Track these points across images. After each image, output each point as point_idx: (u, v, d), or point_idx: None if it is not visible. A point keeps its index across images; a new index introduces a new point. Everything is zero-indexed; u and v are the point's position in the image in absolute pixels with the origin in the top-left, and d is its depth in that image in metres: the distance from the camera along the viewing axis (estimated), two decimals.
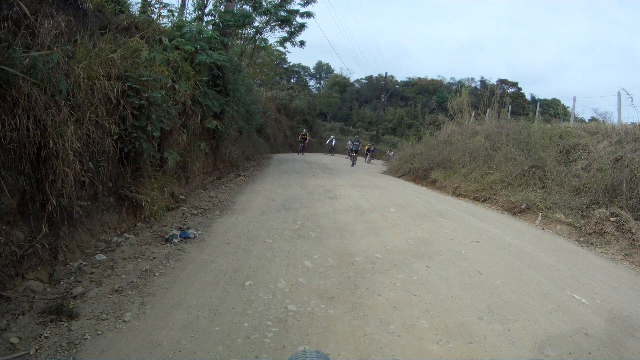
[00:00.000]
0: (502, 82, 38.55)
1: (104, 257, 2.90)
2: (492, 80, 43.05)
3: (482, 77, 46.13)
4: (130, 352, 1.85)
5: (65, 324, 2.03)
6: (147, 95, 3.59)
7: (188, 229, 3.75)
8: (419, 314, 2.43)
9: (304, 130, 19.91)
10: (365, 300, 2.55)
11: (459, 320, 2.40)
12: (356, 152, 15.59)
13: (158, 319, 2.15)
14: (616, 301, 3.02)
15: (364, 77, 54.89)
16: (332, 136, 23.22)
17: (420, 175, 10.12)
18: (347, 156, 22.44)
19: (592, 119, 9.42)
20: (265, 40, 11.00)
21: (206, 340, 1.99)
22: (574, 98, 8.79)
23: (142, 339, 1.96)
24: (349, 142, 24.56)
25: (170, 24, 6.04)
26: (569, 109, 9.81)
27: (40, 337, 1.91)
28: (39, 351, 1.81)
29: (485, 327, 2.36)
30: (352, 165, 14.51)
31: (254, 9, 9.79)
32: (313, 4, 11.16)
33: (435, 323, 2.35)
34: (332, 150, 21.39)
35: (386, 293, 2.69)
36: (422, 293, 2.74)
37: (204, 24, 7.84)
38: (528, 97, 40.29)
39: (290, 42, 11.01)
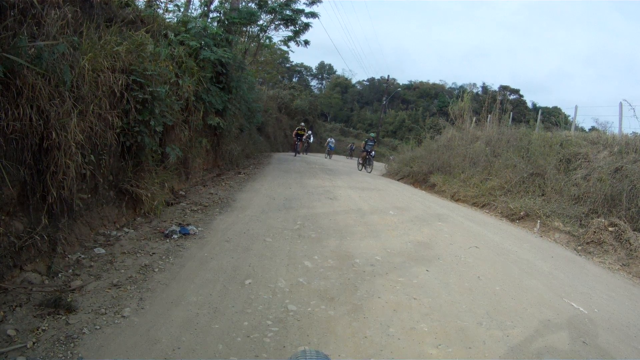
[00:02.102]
0: (504, 88, 38.75)
1: (103, 251, 2.88)
2: (494, 86, 43.31)
3: (484, 83, 46.36)
4: (129, 348, 1.83)
5: (63, 318, 2.01)
6: (151, 89, 3.58)
7: (188, 225, 3.73)
8: (419, 318, 2.43)
9: (302, 124, 16.00)
10: (365, 303, 2.55)
11: (459, 325, 2.40)
12: (370, 153, 12.57)
13: (157, 315, 2.13)
14: (614, 310, 3.03)
15: (365, 79, 55.05)
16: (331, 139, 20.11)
17: (419, 179, 10.14)
18: (348, 156, 20.48)
19: (593, 129, 9.47)
20: (270, 38, 10.99)
21: (205, 338, 1.98)
22: (576, 107, 8.84)
23: (141, 334, 1.94)
24: (351, 143, 22.92)
25: (175, 19, 6.03)
26: (570, 118, 9.86)
27: (37, 330, 1.88)
28: (36, 344, 1.79)
29: (485, 332, 2.36)
30: (362, 169, 12.61)
31: (260, 7, 9.79)
32: (318, 4, 11.17)
33: (435, 327, 2.34)
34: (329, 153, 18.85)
35: (386, 296, 2.69)
36: (421, 297, 2.74)
37: (209, 20, 7.82)
38: (529, 104, 40.53)
39: (295, 42, 11.01)
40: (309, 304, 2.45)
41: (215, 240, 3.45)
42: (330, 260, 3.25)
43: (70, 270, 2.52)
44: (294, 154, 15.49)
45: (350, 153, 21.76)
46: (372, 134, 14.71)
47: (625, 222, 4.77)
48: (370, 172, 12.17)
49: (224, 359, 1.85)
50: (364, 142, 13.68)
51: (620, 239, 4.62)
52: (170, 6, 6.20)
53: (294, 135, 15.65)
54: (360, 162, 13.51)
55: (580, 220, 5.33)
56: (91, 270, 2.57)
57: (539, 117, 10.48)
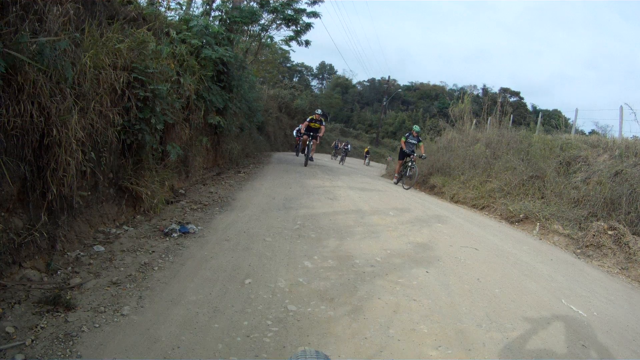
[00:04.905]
0: (505, 90, 38.87)
1: (102, 249, 2.87)
2: (495, 88, 43.50)
3: (484, 85, 46.56)
4: (129, 346, 1.83)
5: (62, 315, 2.00)
6: (152, 87, 3.56)
7: (187, 223, 3.73)
8: (419, 319, 2.43)
9: (318, 111, 9.82)
10: (365, 303, 2.54)
11: (458, 327, 2.40)
12: (410, 158, 8.58)
13: (157, 314, 2.12)
14: (612, 314, 3.04)
15: (366, 79, 55.17)
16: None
17: (419, 180, 10.14)
18: (332, 156, 16.98)
19: (593, 132, 9.50)
20: (271, 38, 10.98)
21: (205, 338, 1.97)
22: (576, 110, 8.87)
23: (141, 333, 1.94)
24: (344, 146, 17.04)
25: (177, 17, 6.02)
26: (570, 121, 9.89)
27: (36, 327, 1.88)
28: (34, 342, 1.78)
29: (484, 334, 2.36)
30: (398, 182, 9.21)
31: (261, 6, 9.77)
32: (320, 4, 11.16)
33: (435, 329, 2.34)
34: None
35: (386, 297, 2.68)
36: (421, 298, 2.74)
37: (210, 18, 7.82)
38: (529, 107, 40.67)
39: (296, 41, 11.00)
40: (309, 304, 2.44)
41: (215, 239, 3.44)
42: (330, 260, 3.25)
43: (70, 268, 2.51)
44: (303, 161, 10.03)
45: (335, 152, 20.07)
46: (417, 127, 9.06)
47: (624, 226, 4.78)
48: (408, 189, 8.41)
49: (223, 358, 1.84)
50: (403, 138, 8.93)
51: (620, 242, 4.63)
52: (172, 4, 6.19)
53: (303, 130, 9.68)
54: (396, 174, 9.25)
55: (580, 224, 5.34)
56: (90, 268, 2.56)
57: (539, 119, 10.50)
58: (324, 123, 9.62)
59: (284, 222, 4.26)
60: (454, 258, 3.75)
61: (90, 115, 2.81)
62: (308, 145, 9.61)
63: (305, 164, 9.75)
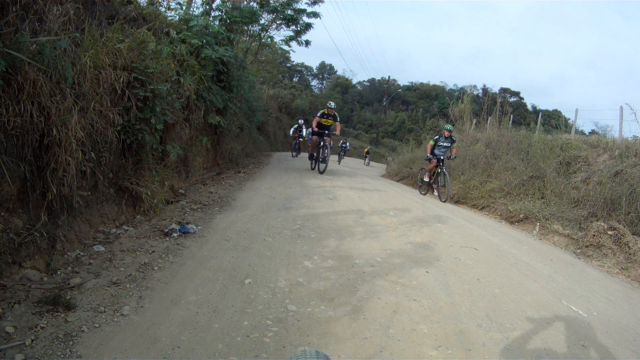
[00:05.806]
0: (504, 90, 38.88)
1: (102, 249, 2.87)
2: (495, 88, 43.53)
3: (484, 85, 46.56)
4: (128, 346, 1.83)
5: (62, 315, 2.00)
6: (152, 87, 3.57)
7: (187, 223, 3.73)
8: (419, 319, 2.43)
9: (331, 104, 8.07)
10: (365, 304, 2.54)
11: (458, 327, 2.40)
12: (441, 163, 7.37)
13: (157, 314, 2.12)
14: (612, 314, 3.04)
15: (366, 79, 55.18)
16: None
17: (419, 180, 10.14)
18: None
19: (593, 132, 9.50)
20: (271, 37, 10.99)
21: (205, 337, 1.97)
22: (576, 110, 8.87)
23: (141, 333, 1.94)
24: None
25: (177, 17, 6.02)
26: (570, 121, 9.90)
27: (36, 327, 1.88)
28: (34, 342, 1.78)
29: (484, 334, 2.36)
30: (427, 192, 7.99)
31: (261, 6, 9.78)
32: (320, 4, 11.18)
33: (435, 329, 2.34)
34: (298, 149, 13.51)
35: (386, 297, 2.68)
36: (421, 298, 2.74)
37: (210, 18, 7.82)
38: (529, 107, 40.69)
39: (296, 41, 11.00)
40: (309, 304, 2.44)
41: (215, 239, 3.44)
42: (330, 260, 3.25)
43: (70, 268, 2.51)
44: (310, 164, 8.58)
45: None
46: (449, 126, 7.69)
47: (624, 226, 4.78)
48: (445, 201, 7.22)
49: (223, 358, 1.84)
50: (431, 141, 7.62)
51: (620, 242, 4.63)
52: (172, 4, 6.20)
53: (315, 127, 7.78)
54: (426, 180, 7.82)
55: (580, 224, 5.34)
56: (90, 268, 2.56)
57: (539, 119, 10.49)
58: (338, 119, 8.06)
59: (284, 222, 4.26)
60: (453, 258, 3.75)
61: (90, 115, 2.81)
62: (320, 145, 7.75)
63: (322, 170, 8.01)
